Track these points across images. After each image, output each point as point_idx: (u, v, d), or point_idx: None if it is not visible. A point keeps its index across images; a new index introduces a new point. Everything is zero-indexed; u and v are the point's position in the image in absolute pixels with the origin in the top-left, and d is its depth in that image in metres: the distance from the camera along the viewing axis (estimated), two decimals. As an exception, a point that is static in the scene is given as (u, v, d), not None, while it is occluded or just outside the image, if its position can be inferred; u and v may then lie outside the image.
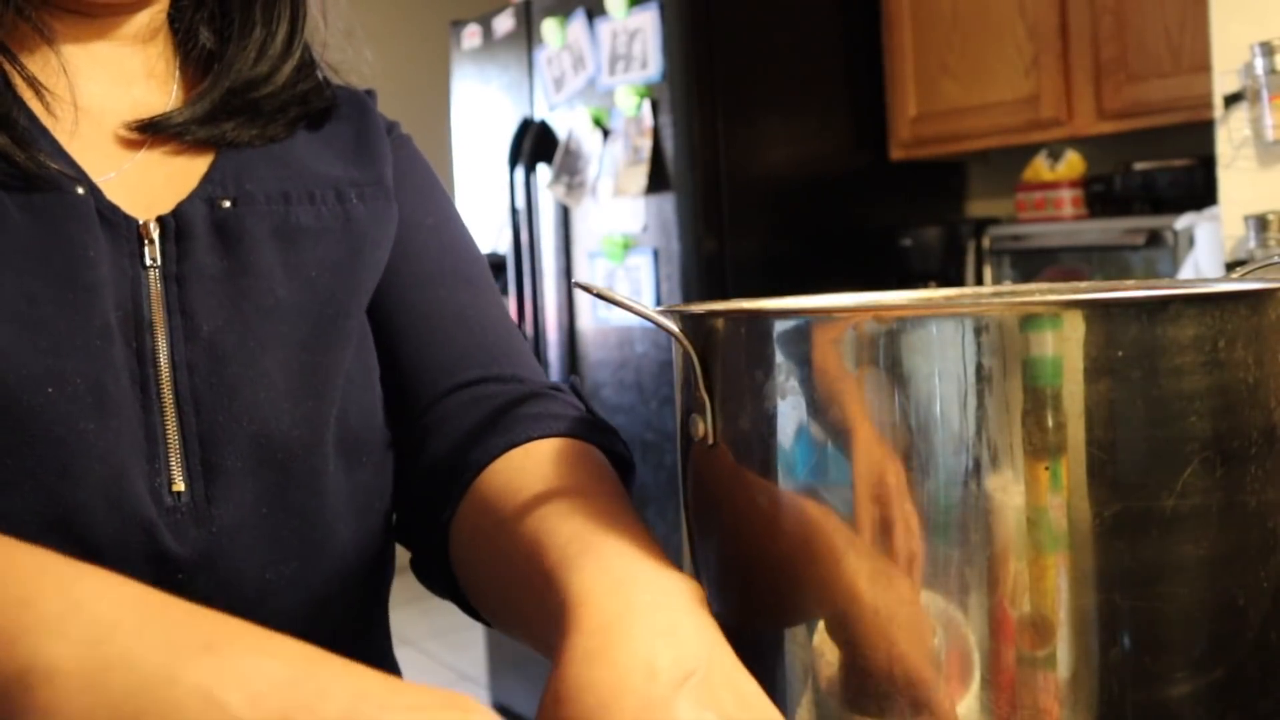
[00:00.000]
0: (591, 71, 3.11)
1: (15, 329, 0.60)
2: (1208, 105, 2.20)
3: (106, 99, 0.72)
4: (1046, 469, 0.52)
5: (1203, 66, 2.27)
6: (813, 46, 3.14)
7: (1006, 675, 0.53)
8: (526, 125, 3.28)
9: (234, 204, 0.71)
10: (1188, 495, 0.52)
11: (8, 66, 0.66)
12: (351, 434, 0.72)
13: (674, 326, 0.60)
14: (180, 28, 0.78)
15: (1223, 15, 2.13)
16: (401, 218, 0.79)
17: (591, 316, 3.15)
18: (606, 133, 3.08)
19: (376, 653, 0.79)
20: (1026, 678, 0.53)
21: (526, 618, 0.61)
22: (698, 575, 0.63)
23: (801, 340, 0.56)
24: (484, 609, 0.70)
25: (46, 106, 0.68)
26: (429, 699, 0.41)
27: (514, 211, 3.29)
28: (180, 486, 0.64)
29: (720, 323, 0.59)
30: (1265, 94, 2.03)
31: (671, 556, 0.63)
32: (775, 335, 0.56)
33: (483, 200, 3.55)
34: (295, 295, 0.71)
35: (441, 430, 0.74)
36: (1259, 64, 2.04)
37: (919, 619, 0.53)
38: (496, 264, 3.45)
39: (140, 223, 0.68)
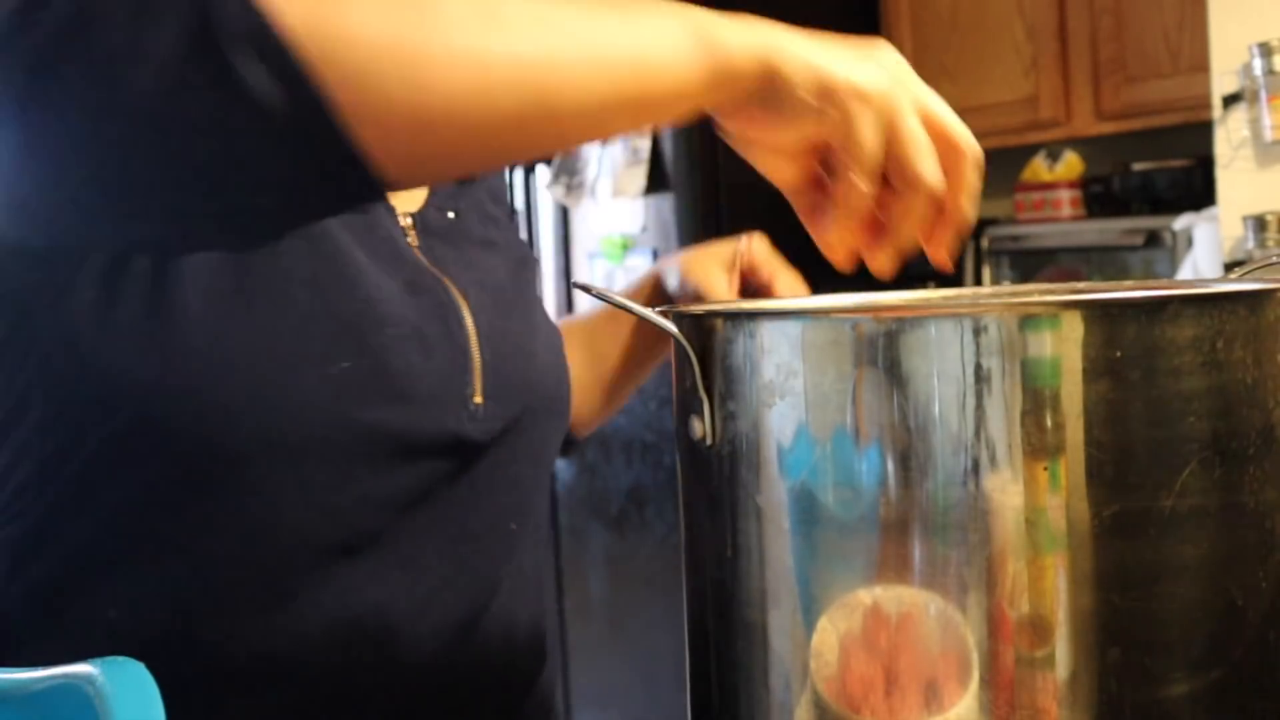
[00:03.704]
0: (590, 72, 3.11)
1: (362, 282, 0.76)
2: (1206, 106, 2.20)
3: None
4: (1045, 469, 0.52)
5: (1201, 67, 2.27)
6: (811, 47, 3.14)
7: (1005, 675, 0.53)
8: (525, 126, 3.28)
9: (456, 216, 0.86)
10: (1186, 495, 0.52)
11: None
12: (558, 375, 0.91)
13: (673, 327, 0.60)
14: None
15: (1221, 16, 2.13)
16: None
17: (590, 317, 3.15)
18: (605, 133, 3.08)
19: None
20: (1025, 678, 0.53)
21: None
22: (697, 574, 0.63)
23: (800, 341, 0.56)
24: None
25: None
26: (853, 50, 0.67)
27: (513, 212, 3.29)
28: (479, 399, 0.79)
29: (719, 323, 0.59)
30: (1264, 94, 2.03)
31: (671, 556, 0.63)
32: (774, 336, 0.56)
33: (482, 201, 3.55)
34: (501, 282, 0.87)
35: None
36: (1257, 65, 2.04)
37: (918, 619, 0.53)
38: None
39: (399, 215, 0.82)
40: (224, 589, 0.72)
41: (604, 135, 0.67)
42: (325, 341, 0.73)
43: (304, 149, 0.55)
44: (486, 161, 0.76)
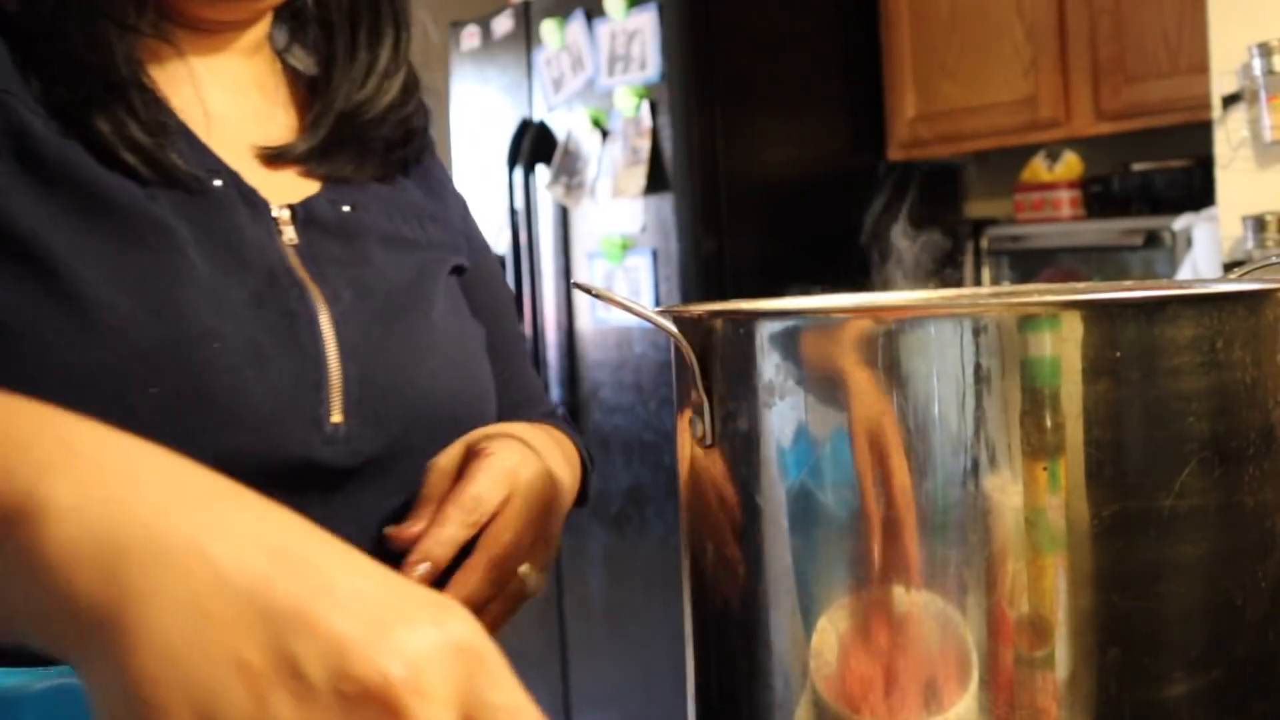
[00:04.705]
0: (590, 72, 3.11)
1: (190, 293, 0.69)
2: (1206, 106, 2.20)
3: (229, 106, 0.80)
4: (1045, 469, 0.52)
5: (1201, 67, 2.27)
6: (811, 47, 3.14)
7: (1005, 675, 0.53)
8: (525, 126, 3.28)
9: (352, 208, 0.80)
10: (1186, 495, 0.52)
11: (148, 79, 0.74)
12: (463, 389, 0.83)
13: (673, 327, 0.60)
14: (285, 50, 0.87)
15: (1220, 16, 2.13)
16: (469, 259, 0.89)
17: (590, 317, 3.15)
18: (605, 133, 3.08)
19: None
20: (1025, 678, 0.53)
21: None
22: (698, 574, 0.63)
23: (800, 341, 0.56)
24: None
25: (180, 112, 0.76)
26: (414, 599, 0.40)
27: (513, 212, 3.29)
28: (338, 418, 0.72)
29: (719, 323, 0.59)
30: (1263, 95, 2.03)
31: (671, 556, 0.63)
32: (773, 336, 0.56)
33: (482, 201, 3.55)
34: (401, 282, 0.80)
35: None
36: (1257, 65, 2.04)
37: (918, 619, 0.53)
38: (495, 265, 3.45)
39: (272, 206, 0.76)
40: None
41: None
42: (134, 362, 0.66)
43: None
44: None
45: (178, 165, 0.72)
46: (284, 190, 0.78)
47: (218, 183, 0.74)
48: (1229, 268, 2.11)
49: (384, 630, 0.38)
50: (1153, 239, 2.72)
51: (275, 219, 0.76)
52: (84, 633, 0.39)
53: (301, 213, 0.77)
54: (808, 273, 3.00)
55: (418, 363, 0.78)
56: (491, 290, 0.92)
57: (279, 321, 0.72)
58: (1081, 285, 0.73)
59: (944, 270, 3.09)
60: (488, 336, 0.87)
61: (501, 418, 0.85)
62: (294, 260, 0.75)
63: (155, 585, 0.38)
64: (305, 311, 0.73)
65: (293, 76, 0.87)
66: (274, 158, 0.80)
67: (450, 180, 0.94)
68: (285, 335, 0.72)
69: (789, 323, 0.57)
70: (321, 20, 0.85)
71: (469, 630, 0.40)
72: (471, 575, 0.71)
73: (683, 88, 2.91)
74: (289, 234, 0.76)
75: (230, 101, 0.80)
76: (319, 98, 0.84)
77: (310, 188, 0.80)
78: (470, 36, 3.54)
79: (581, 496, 0.88)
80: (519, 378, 0.93)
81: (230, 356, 0.69)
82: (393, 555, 0.70)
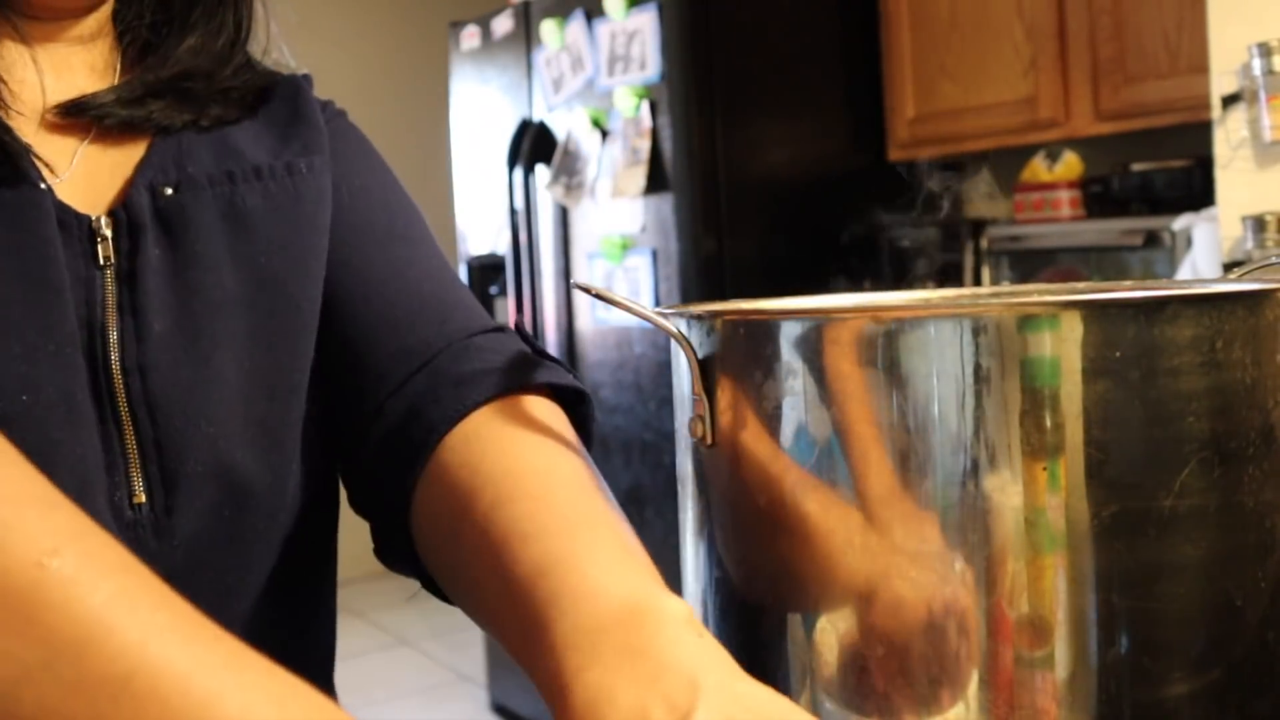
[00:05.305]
0: (590, 72, 3.11)
1: None
2: (1205, 106, 2.20)
3: (52, 94, 0.70)
4: (1044, 469, 0.52)
5: (1200, 67, 2.27)
6: (811, 48, 3.14)
7: (1004, 675, 0.53)
8: (525, 126, 3.28)
9: (176, 190, 0.68)
10: (1185, 495, 0.52)
11: None
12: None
13: (673, 327, 0.60)
14: (122, 28, 0.76)
15: (1220, 16, 2.13)
16: (333, 184, 0.76)
17: (590, 317, 3.15)
18: (605, 134, 3.08)
19: (324, 648, 0.79)
20: (1024, 678, 0.53)
21: (500, 624, 0.60)
22: (698, 575, 0.63)
23: (800, 341, 0.56)
24: (453, 596, 0.69)
25: (3, 104, 0.66)
26: None
27: (513, 212, 3.29)
28: (141, 498, 0.63)
29: (719, 323, 0.59)
30: (1263, 95, 2.03)
31: (671, 556, 0.63)
32: (773, 336, 0.56)
33: (481, 201, 3.55)
34: (245, 286, 0.69)
35: (393, 401, 0.72)
36: (1256, 65, 2.04)
37: (918, 619, 0.53)
38: (495, 265, 3.45)
39: (92, 219, 0.66)
40: None
41: None
42: None
43: None
44: None
45: (10, 155, 0.62)
46: (104, 188, 0.68)
47: (42, 185, 0.64)
48: (1229, 268, 2.11)
49: None
50: (1152, 239, 2.72)
51: (94, 234, 0.66)
52: None
53: (124, 218, 0.67)
54: (807, 273, 3.00)
55: (231, 415, 0.65)
56: (359, 212, 0.77)
57: (64, 378, 0.60)
58: (1081, 285, 0.73)
59: (944, 270, 3.09)
60: (397, 260, 0.76)
61: (415, 341, 0.72)
62: (109, 286, 0.65)
63: None
64: (99, 359, 0.63)
65: (135, 62, 0.75)
66: (70, 111, 0.69)
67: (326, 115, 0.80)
68: (68, 398, 0.60)
69: (789, 323, 0.57)
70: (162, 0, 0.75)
71: None
72: None
73: (683, 88, 2.91)
74: (106, 251, 0.66)
75: (55, 90, 0.70)
76: (143, 64, 0.74)
77: (129, 170, 0.69)
78: (470, 36, 3.54)
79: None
80: (416, 287, 0.76)
81: (41, 413, 0.58)
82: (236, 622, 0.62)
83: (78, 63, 0.73)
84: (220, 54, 0.75)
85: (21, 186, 0.63)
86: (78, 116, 0.69)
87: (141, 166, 0.69)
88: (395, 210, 0.79)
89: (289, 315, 0.70)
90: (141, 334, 0.65)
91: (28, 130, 0.68)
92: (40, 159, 0.66)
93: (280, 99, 0.78)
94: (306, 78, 0.83)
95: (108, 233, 0.66)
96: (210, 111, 0.72)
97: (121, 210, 0.67)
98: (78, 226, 0.65)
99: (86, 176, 0.69)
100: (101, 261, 0.65)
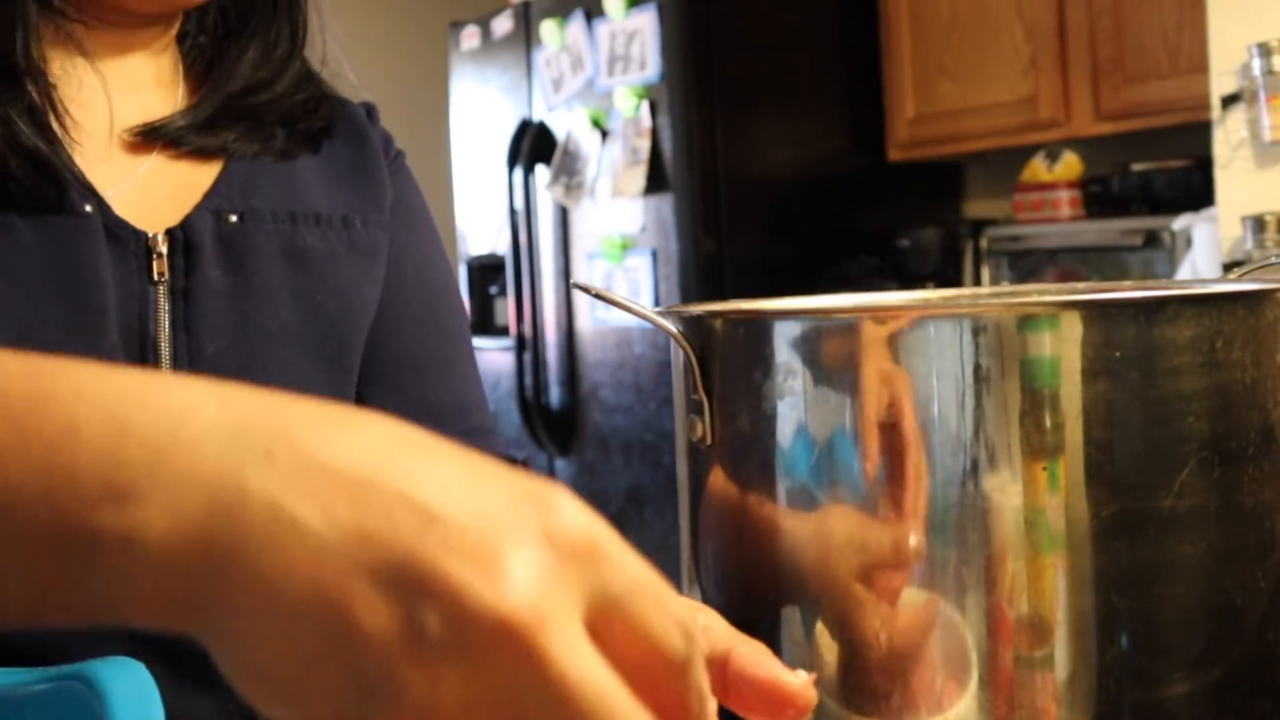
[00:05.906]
0: (590, 72, 3.11)
1: (28, 351, 0.57)
2: (1205, 106, 2.20)
3: (119, 109, 0.71)
4: (1044, 469, 0.52)
5: (1200, 68, 2.27)
6: (811, 48, 3.14)
7: (1004, 675, 0.53)
8: (525, 126, 3.28)
9: (240, 219, 0.71)
10: (1185, 495, 0.52)
11: (29, 80, 0.65)
12: None
13: (672, 327, 0.60)
14: (182, 39, 0.77)
15: (1220, 16, 2.13)
16: (396, 254, 0.78)
17: (590, 317, 3.15)
18: (605, 134, 3.08)
19: None
20: (1024, 678, 0.53)
21: None
22: (697, 575, 0.63)
23: (799, 341, 0.56)
24: None
25: (60, 119, 0.67)
26: (512, 504, 0.35)
27: (512, 212, 3.28)
28: None
29: (718, 324, 0.59)
30: (1262, 95, 2.03)
31: (671, 556, 0.63)
32: (773, 336, 0.56)
33: (481, 201, 3.55)
34: (301, 321, 0.71)
35: None
36: (1256, 65, 2.04)
37: (918, 619, 0.53)
38: (495, 265, 3.45)
39: (149, 236, 0.67)
40: None
41: None
42: None
43: None
44: None
45: (57, 183, 0.64)
46: (164, 205, 0.69)
47: (88, 208, 0.66)
48: (1228, 268, 2.11)
49: (493, 564, 0.33)
50: (1152, 239, 2.72)
51: (149, 250, 0.67)
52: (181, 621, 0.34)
53: (181, 237, 0.68)
54: (807, 273, 3.00)
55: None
56: (417, 292, 0.80)
57: None
58: (1081, 285, 0.73)
59: (943, 270, 3.09)
60: (397, 344, 0.78)
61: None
62: (161, 302, 0.66)
63: (247, 577, 0.33)
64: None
65: (199, 74, 0.78)
66: (147, 134, 0.71)
67: (393, 165, 0.83)
68: None
69: (789, 323, 0.57)
70: (220, 8, 0.77)
71: (574, 521, 0.35)
72: None
73: (682, 88, 2.91)
74: (161, 268, 0.67)
75: (121, 103, 0.71)
76: (210, 80, 0.75)
77: (195, 193, 0.71)
78: (470, 36, 3.55)
79: None
80: (446, 384, 0.81)
81: None
82: None
83: (145, 76, 0.74)
84: (280, 62, 0.77)
85: (68, 212, 0.65)
86: (155, 139, 0.71)
87: (210, 192, 0.71)
88: (445, 297, 0.82)
89: (338, 354, 0.73)
90: (195, 353, 0.67)
91: (94, 148, 0.69)
92: (90, 185, 0.66)
93: (343, 138, 0.79)
94: (371, 109, 0.85)
95: (163, 249, 0.67)
96: (276, 145, 0.74)
97: (179, 230, 0.68)
98: (134, 242, 0.67)
99: (146, 192, 0.70)
100: (155, 277, 0.67)
